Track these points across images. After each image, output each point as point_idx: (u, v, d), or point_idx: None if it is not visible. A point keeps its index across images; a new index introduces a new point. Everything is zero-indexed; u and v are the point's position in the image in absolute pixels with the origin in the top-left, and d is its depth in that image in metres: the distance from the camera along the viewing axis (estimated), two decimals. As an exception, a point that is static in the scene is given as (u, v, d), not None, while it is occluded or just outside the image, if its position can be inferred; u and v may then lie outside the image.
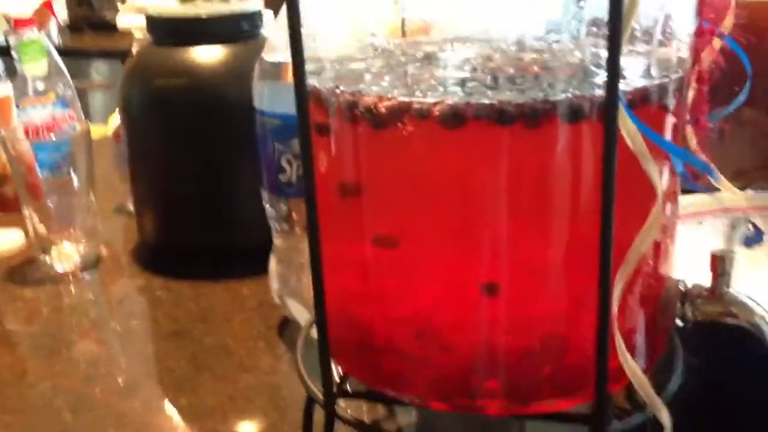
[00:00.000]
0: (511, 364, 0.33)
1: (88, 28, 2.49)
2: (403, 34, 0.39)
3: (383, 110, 0.30)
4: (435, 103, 0.29)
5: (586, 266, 0.32)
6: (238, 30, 0.65)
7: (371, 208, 0.35)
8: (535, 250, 0.32)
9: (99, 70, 2.30)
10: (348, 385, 0.38)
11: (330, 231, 0.36)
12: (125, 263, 0.71)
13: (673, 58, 0.32)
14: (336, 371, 0.38)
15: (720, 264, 0.34)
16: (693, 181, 0.31)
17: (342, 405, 0.36)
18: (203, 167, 0.66)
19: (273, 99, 0.50)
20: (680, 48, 0.32)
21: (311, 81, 0.33)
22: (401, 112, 0.30)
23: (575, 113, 0.29)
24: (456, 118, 0.29)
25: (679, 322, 0.36)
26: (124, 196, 0.82)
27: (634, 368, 0.31)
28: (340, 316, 0.37)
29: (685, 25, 0.33)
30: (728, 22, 0.35)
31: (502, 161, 0.30)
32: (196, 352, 0.55)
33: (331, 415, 0.35)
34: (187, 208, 0.68)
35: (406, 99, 0.30)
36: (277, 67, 0.50)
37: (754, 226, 0.56)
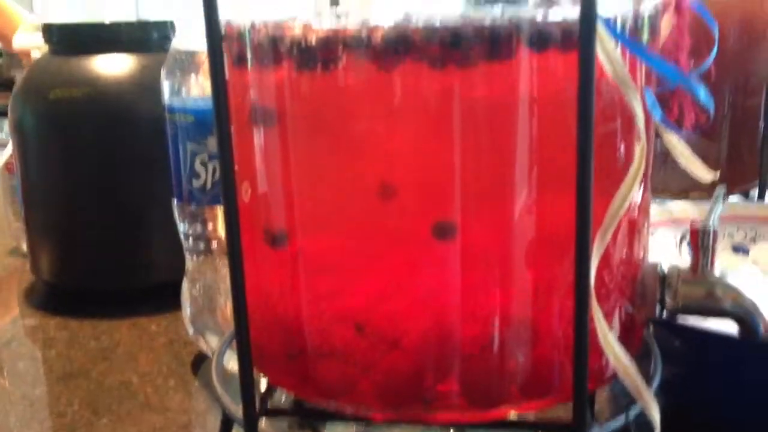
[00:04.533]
0: (469, 358, 0.27)
1: (-6, 88, 2.38)
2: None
3: (313, 43, 0.25)
4: (375, 28, 0.24)
5: (554, 233, 0.27)
6: (147, 39, 0.59)
7: (295, 175, 0.29)
8: (492, 208, 0.27)
9: (4, 129, 2.18)
10: (274, 401, 0.31)
11: (250, 219, 0.30)
12: (15, 304, 0.63)
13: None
14: (259, 386, 0.31)
15: (702, 238, 0.30)
16: (676, 127, 0.27)
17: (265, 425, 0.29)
18: (107, 192, 0.59)
19: (185, 92, 0.44)
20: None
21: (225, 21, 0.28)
22: (334, 43, 0.25)
23: (544, 38, 0.24)
24: (402, 44, 0.24)
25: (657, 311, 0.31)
26: (19, 236, 0.74)
27: (619, 355, 0.26)
28: (265, 319, 0.31)
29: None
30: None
31: (456, 98, 0.25)
32: (94, 394, 0.47)
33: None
34: (89, 239, 0.60)
35: (340, 27, 0.25)
36: (190, 55, 0.44)
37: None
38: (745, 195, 0.60)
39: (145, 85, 0.57)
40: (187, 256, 0.49)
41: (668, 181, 0.49)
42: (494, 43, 0.24)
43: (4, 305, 0.63)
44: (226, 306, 0.46)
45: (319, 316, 0.29)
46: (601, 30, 0.23)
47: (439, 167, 0.27)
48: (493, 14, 0.28)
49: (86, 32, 0.59)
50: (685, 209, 0.53)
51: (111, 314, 0.58)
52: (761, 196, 0.56)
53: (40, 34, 0.63)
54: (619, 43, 0.23)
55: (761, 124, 0.54)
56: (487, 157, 0.27)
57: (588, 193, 0.24)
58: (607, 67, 0.23)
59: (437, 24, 0.24)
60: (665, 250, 0.52)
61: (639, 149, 0.24)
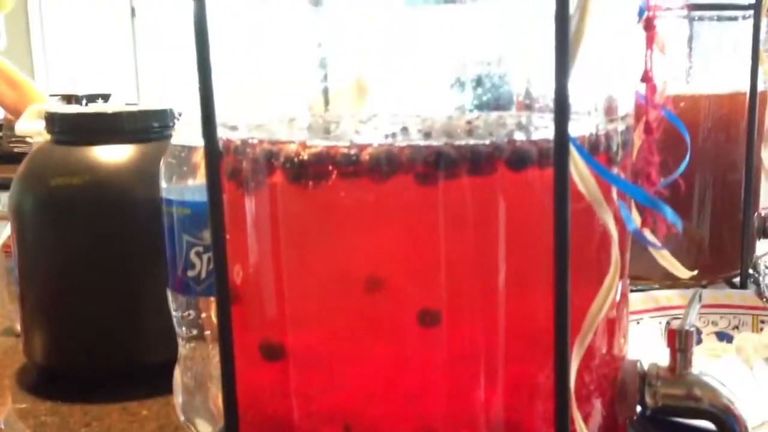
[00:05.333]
0: (455, 460, 0.28)
1: (-7, 159, 2.41)
2: (327, 103, 0.36)
3: (305, 158, 0.27)
4: (364, 147, 0.26)
5: (535, 333, 0.28)
6: (147, 129, 0.61)
7: (289, 283, 0.30)
8: (475, 304, 0.28)
9: (3, 202, 2.20)
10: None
11: (242, 317, 0.31)
12: (7, 386, 0.63)
13: (616, 111, 0.30)
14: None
15: (678, 340, 0.31)
16: (649, 241, 0.28)
17: None
18: (102, 277, 0.60)
19: (182, 186, 0.46)
20: (623, 103, 0.30)
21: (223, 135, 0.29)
22: (326, 159, 0.26)
23: (522, 158, 0.26)
24: (389, 163, 0.26)
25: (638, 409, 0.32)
26: (13, 317, 0.74)
27: (599, 456, 0.27)
28: (256, 419, 0.31)
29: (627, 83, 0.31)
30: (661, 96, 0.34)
31: (441, 206, 0.27)
32: (83, 482, 0.47)
33: None
34: (83, 323, 0.61)
35: (332, 144, 0.26)
36: (187, 151, 0.46)
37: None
38: (729, 283, 0.61)
39: (144, 173, 0.59)
40: (180, 342, 0.50)
41: (652, 268, 0.50)
42: (475, 163, 0.26)
43: (-4, 388, 0.63)
44: (218, 396, 0.47)
45: (309, 417, 0.30)
46: (574, 152, 0.24)
47: (424, 265, 0.28)
48: (476, 127, 0.30)
49: (88, 121, 0.61)
50: (669, 297, 0.55)
51: (102, 398, 0.58)
52: (743, 285, 0.57)
53: (42, 121, 0.65)
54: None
55: (741, 215, 0.56)
56: (469, 257, 0.28)
57: (565, 299, 0.25)
58: (580, 187, 0.25)
59: (421, 143, 0.26)
60: (651, 338, 0.53)
61: (613, 263, 0.26)
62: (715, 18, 0.58)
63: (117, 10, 4.36)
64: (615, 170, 0.29)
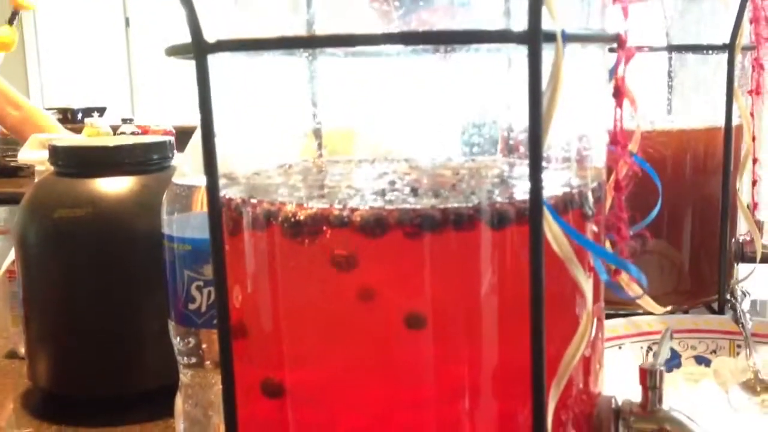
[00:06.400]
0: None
1: (-11, 173, 2.42)
2: (320, 148, 0.38)
3: (301, 218, 0.29)
4: (355, 209, 0.28)
5: (513, 384, 0.31)
6: (147, 161, 0.63)
7: (286, 329, 0.32)
8: (459, 368, 0.30)
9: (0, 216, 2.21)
10: None
11: (243, 355, 0.33)
12: (12, 410, 0.65)
13: (589, 168, 0.32)
14: None
15: (649, 378, 0.33)
16: (622, 292, 0.30)
17: None
18: (105, 306, 0.62)
19: (183, 224, 0.48)
20: (596, 158, 0.33)
21: (224, 192, 0.32)
22: (320, 220, 0.29)
23: (501, 219, 0.28)
24: (378, 224, 0.28)
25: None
26: (17, 340, 0.76)
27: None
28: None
29: (599, 138, 0.33)
30: (635, 144, 0.36)
31: (425, 271, 0.29)
32: (88, 508, 0.49)
33: None
34: (86, 349, 0.63)
35: (325, 206, 0.29)
36: (188, 190, 0.48)
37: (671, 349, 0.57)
38: (708, 307, 0.64)
39: (145, 204, 0.61)
40: (182, 370, 0.52)
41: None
42: (459, 223, 0.28)
43: (1, 412, 0.65)
44: (219, 427, 0.49)
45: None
46: (547, 214, 0.27)
47: (411, 298, 0.30)
48: (461, 179, 0.32)
49: (90, 154, 0.63)
50: (650, 323, 0.57)
51: (104, 422, 0.60)
52: (720, 311, 0.60)
53: (45, 151, 0.68)
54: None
55: (719, 244, 0.58)
56: (454, 298, 0.30)
57: (540, 341, 0.28)
58: (554, 246, 0.27)
59: (408, 206, 0.28)
60: (632, 363, 0.55)
61: (585, 315, 0.28)
62: (691, 53, 0.61)
63: (111, 20, 4.37)
64: (588, 225, 0.31)
